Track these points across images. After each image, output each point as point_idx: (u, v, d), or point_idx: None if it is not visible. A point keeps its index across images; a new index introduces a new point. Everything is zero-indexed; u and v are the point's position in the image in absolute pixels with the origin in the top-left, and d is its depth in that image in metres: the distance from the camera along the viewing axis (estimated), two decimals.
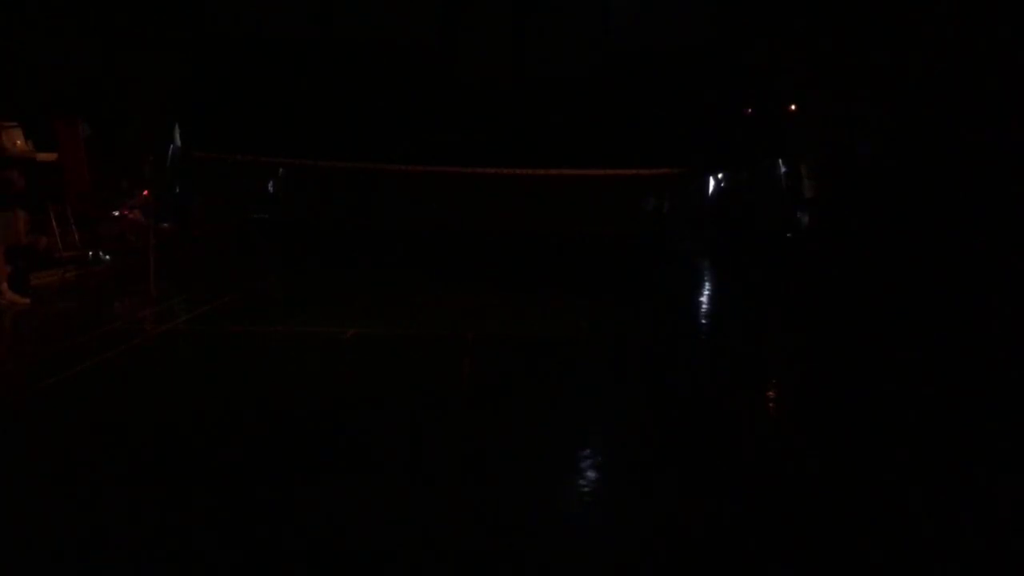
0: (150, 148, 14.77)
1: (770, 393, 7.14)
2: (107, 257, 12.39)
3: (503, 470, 4.83)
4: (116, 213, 13.36)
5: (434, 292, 11.52)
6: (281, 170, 17.54)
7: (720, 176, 17.13)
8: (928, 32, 11.39)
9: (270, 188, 17.60)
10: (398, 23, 17.13)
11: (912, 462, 5.11)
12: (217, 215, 17.50)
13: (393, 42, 17.15)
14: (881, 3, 12.35)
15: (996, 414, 6.15)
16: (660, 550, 3.88)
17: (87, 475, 4.57)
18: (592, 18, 17.47)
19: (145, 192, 13.16)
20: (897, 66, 11.98)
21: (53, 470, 4.65)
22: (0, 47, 12.83)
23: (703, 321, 10.34)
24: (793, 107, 15.48)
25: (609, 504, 4.50)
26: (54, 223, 11.99)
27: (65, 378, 6.47)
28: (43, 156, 13.17)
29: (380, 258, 15.12)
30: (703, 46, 16.94)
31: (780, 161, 15.57)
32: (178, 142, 14.99)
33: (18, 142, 12.48)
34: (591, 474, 4.83)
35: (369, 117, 17.27)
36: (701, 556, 3.82)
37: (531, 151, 18.11)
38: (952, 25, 11.02)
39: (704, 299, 12.09)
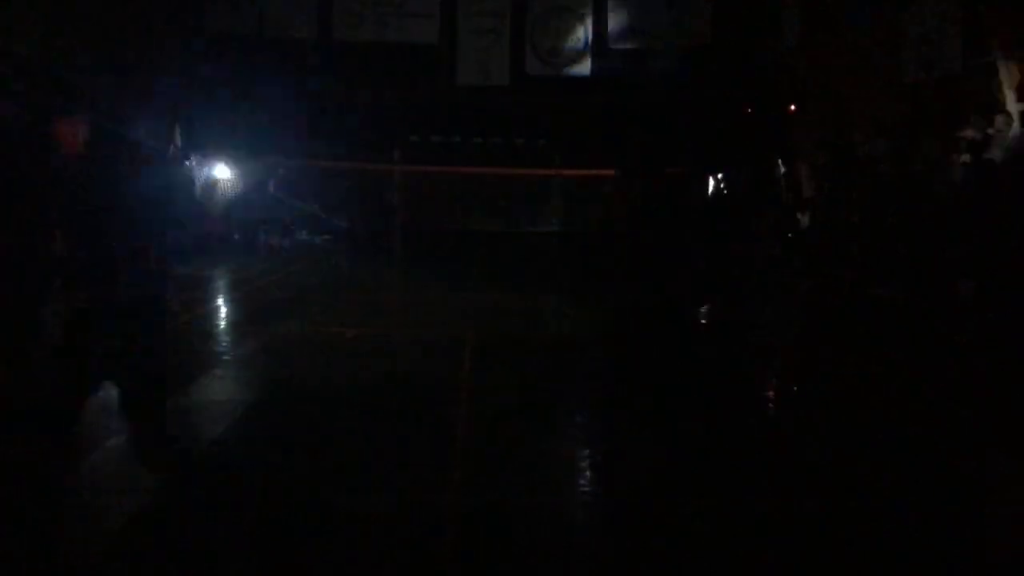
0: (150, 147, 14.73)
1: (770, 394, 7.14)
2: None
3: (502, 467, 4.83)
4: None
5: (434, 292, 11.54)
6: (281, 170, 17.54)
7: (720, 176, 17.13)
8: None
9: (270, 188, 17.59)
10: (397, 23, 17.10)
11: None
12: (219, 215, 17.51)
13: (392, 43, 17.14)
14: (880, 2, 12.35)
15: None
16: (646, 544, 3.92)
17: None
18: (589, 18, 17.46)
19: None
20: (896, 64, 11.97)
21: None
22: (0, 46, 12.83)
23: (703, 321, 10.34)
24: (793, 107, 15.44)
25: (600, 498, 4.52)
26: None
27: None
28: None
29: (379, 257, 15.14)
30: (703, 46, 16.94)
31: (780, 161, 15.53)
32: (178, 142, 14.96)
33: None
34: (589, 475, 4.84)
35: (368, 117, 17.27)
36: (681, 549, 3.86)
37: (531, 152, 18.13)
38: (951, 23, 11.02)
39: (703, 298, 12.07)
